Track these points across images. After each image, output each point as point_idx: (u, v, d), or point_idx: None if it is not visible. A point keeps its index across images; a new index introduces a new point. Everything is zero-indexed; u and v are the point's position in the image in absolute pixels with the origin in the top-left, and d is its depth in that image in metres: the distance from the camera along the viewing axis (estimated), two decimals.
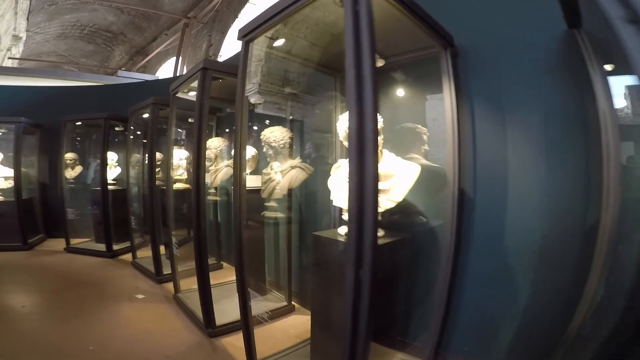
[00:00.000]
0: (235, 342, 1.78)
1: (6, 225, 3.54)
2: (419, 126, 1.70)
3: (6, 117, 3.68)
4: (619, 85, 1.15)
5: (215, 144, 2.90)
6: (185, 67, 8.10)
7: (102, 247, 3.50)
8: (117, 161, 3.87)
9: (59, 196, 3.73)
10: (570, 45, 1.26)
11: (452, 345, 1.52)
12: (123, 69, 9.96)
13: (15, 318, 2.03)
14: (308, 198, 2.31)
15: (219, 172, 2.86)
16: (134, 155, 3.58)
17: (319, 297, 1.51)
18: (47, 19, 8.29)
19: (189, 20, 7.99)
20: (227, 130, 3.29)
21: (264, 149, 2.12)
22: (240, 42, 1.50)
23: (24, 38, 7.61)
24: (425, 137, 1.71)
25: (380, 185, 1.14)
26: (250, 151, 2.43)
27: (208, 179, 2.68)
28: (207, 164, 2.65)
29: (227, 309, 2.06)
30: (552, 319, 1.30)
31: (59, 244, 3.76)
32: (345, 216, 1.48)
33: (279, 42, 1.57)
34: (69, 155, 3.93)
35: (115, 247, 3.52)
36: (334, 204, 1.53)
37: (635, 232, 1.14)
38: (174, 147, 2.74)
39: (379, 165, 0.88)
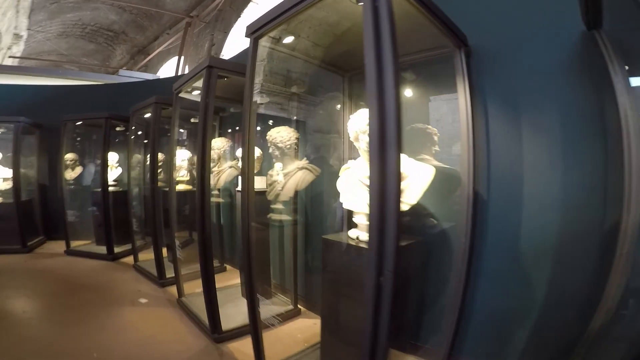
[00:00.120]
0: (242, 347, 1.74)
1: (5, 227, 3.49)
2: (430, 127, 1.67)
3: (5, 116, 3.62)
4: None
5: (218, 145, 2.86)
6: (187, 66, 8.06)
7: (102, 249, 3.44)
8: (118, 162, 3.82)
9: (59, 198, 3.67)
10: (588, 46, 1.25)
11: (465, 348, 1.50)
12: (124, 68, 9.91)
13: (16, 324, 1.98)
14: (314, 200, 2.28)
15: (222, 173, 2.82)
16: (135, 156, 3.54)
17: (329, 302, 1.46)
18: (48, 18, 8.24)
19: (191, 19, 7.95)
20: (229, 130, 3.25)
21: (270, 150, 2.08)
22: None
23: (25, 36, 7.56)
24: (435, 138, 1.68)
25: None
26: (255, 152, 2.38)
27: (211, 180, 2.64)
28: (210, 164, 2.60)
29: (232, 314, 2.01)
30: (569, 320, 1.28)
31: (59, 246, 3.71)
32: (356, 219, 1.44)
33: (288, 40, 1.52)
34: (69, 156, 3.88)
35: (117, 249, 3.47)
36: (344, 206, 1.48)
37: None
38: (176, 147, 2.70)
39: None
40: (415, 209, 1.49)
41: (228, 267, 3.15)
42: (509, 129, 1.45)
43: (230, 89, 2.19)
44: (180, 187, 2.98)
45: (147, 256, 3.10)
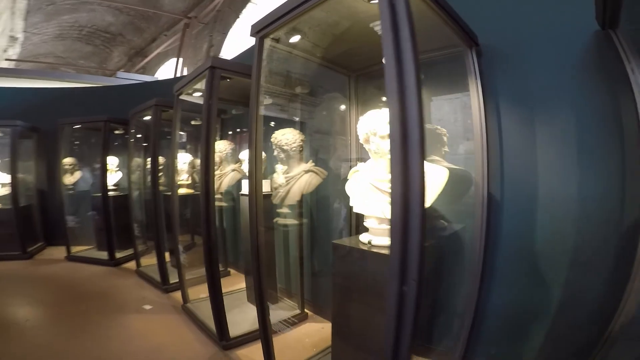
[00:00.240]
0: (251, 354, 1.71)
1: (4, 233, 3.43)
2: (439, 127, 1.64)
3: (1, 120, 3.55)
4: None
5: (220, 148, 2.81)
6: (185, 68, 8.00)
7: (104, 255, 3.40)
8: (118, 166, 3.76)
9: (59, 203, 3.61)
10: (601, 46, 1.23)
11: (479, 350, 1.48)
12: (122, 70, 9.82)
13: (20, 333, 1.94)
14: (319, 203, 2.24)
15: (224, 176, 2.77)
16: (134, 160, 3.49)
17: (341, 308, 1.43)
18: (44, 20, 8.14)
19: (189, 21, 7.88)
20: (229, 132, 3.21)
21: (275, 152, 2.05)
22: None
23: (21, 39, 7.48)
24: (445, 139, 1.65)
25: None
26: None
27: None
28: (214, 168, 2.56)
29: (239, 320, 1.98)
30: (587, 322, 1.27)
31: (59, 252, 3.66)
32: (367, 223, 1.41)
33: (295, 39, 1.48)
34: (68, 160, 3.82)
35: (118, 254, 3.42)
36: (355, 210, 1.45)
37: None
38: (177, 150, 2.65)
39: None
40: (427, 212, 1.46)
41: (232, 271, 3.12)
42: (521, 129, 1.42)
43: (231, 90, 2.15)
44: (181, 191, 2.93)
45: (149, 261, 3.05)
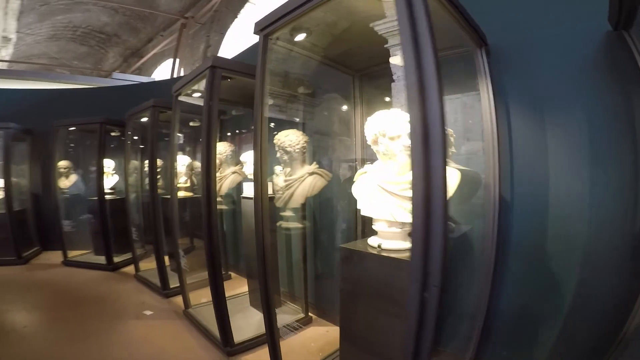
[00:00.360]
0: None
1: None
2: (446, 128, 1.61)
3: None
4: None
5: (220, 150, 2.76)
6: (182, 69, 7.91)
7: (101, 259, 3.33)
8: (114, 169, 3.69)
9: (54, 207, 3.54)
10: (613, 47, 1.22)
11: (490, 352, 1.47)
12: (117, 71, 9.69)
13: (18, 340, 1.88)
14: (323, 205, 2.21)
15: (225, 179, 2.73)
16: (131, 162, 3.42)
17: (350, 313, 1.39)
18: (38, 20, 8.00)
19: (186, 21, 7.80)
20: (228, 134, 3.17)
21: (278, 154, 2.00)
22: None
23: (14, 39, 7.35)
24: (452, 140, 1.62)
25: None
26: None
27: None
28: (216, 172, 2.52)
29: (243, 325, 1.94)
30: (600, 323, 1.25)
31: (55, 256, 3.58)
32: (376, 226, 1.38)
33: (300, 37, 1.45)
34: (63, 163, 3.73)
35: (116, 259, 3.36)
36: (362, 213, 1.41)
37: None
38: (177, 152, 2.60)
39: None
40: None
41: (233, 274, 3.07)
42: (532, 130, 1.41)
43: (232, 90, 2.10)
44: (180, 194, 2.88)
45: (148, 265, 3.00)
